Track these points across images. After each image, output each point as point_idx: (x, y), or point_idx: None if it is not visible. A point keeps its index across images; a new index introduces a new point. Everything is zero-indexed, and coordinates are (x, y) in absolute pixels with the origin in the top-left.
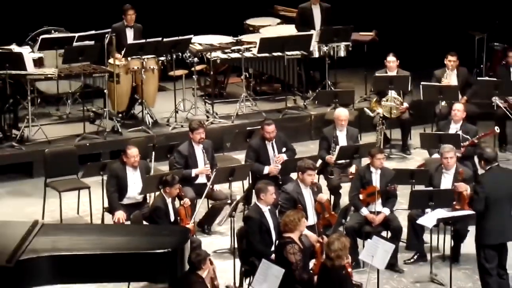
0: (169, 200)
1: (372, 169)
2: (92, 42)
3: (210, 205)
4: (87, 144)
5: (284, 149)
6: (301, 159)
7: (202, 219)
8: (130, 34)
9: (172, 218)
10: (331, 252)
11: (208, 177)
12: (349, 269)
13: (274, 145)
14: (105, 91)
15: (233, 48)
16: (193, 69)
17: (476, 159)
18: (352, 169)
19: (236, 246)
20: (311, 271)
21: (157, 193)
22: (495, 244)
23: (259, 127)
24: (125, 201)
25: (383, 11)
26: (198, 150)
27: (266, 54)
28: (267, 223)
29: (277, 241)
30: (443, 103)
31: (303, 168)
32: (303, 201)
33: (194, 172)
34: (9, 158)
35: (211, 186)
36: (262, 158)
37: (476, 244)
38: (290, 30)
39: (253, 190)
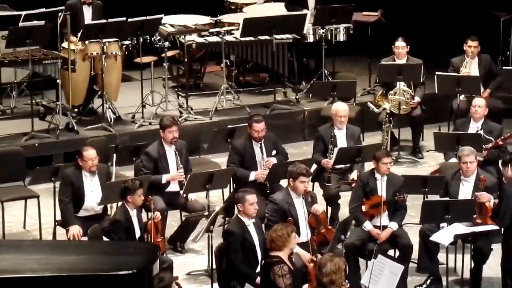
0: (133, 212)
1: (377, 175)
2: (42, 22)
3: (183, 218)
4: (36, 145)
5: (274, 152)
6: (292, 163)
7: (174, 234)
8: (88, 13)
9: (138, 234)
10: (323, 277)
11: (181, 184)
12: None
13: (263, 146)
14: (57, 81)
15: (211, 30)
16: (163, 55)
17: (501, 165)
18: (353, 175)
19: (214, 266)
20: None
21: (120, 203)
22: None
23: (244, 124)
24: (82, 213)
25: None
26: (170, 152)
27: (251, 38)
28: (252, 239)
29: (263, 261)
30: (462, 97)
31: (295, 174)
32: (294, 213)
33: (164, 178)
34: None
35: (184, 196)
36: (247, 161)
37: (503, 267)
38: (279, 9)
39: None
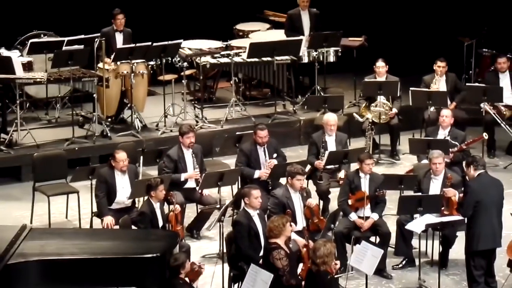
0: (157, 205)
1: (361, 174)
2: (82, 47)
3: (199, 210)
4: (76, 149)
5: (275, 155)
6: (290, 164)
7: (191, 223)
8: (119, 39)
9: (161, 223)
10: (317, 258)
11: (197, 182)
12: (336, 275)
13: (266, 150)
14: (94, 95)
15: (222, 53)
16: (182, 73)
17: (464, 165)
18: (341, 174)
19: (224, 251)
20: (299, 276)
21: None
22: (486, 249)
23: (250, 132)
24: (114, 205)
25: (373, 17)
26: (188, 155)
27: (256, 59)
28: (256, 227)
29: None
30: (432, 108)
31: (292, 173)
32: (292, 206)
33: (183, 176)
34: None
35: (200, 191)
36: (252, 162)
37: (466, 251)
38: (280, 35)
39: None
